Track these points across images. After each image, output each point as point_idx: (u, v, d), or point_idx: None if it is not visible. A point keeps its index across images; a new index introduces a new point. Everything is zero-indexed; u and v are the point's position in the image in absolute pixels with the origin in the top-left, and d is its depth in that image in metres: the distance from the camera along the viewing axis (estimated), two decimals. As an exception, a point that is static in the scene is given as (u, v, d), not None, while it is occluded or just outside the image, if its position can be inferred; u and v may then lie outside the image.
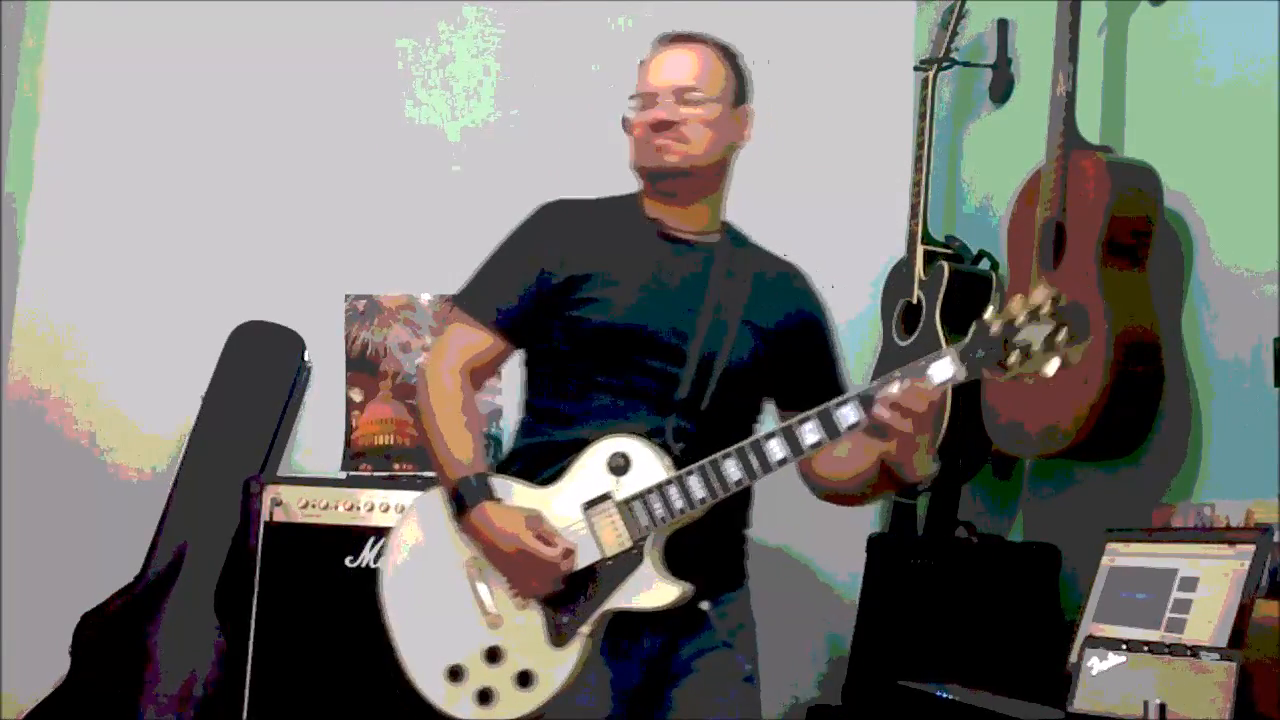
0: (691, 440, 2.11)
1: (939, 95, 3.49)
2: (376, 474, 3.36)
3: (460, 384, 2.18)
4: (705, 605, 2.15)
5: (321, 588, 3.17)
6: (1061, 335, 1.92)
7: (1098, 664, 2.07)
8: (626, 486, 2.06)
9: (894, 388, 1.98)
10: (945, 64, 3.45)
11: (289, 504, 3.23)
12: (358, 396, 3.42)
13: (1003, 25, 3.46)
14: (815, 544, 3.70)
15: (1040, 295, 1.94)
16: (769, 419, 2.31)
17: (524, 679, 2.04)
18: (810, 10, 3.91)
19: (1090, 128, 2.84)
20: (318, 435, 3.65)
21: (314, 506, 3.23)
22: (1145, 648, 2.05)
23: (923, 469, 2.08)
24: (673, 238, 2.25)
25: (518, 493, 2.12)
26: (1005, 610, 2.84)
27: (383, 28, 3.85)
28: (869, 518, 3.66)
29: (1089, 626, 2.38)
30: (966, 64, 3.51)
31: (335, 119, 3.78)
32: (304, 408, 3.69)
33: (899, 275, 3.38)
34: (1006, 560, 2.94)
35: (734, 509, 2.19)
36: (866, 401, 2.00)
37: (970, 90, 3.63)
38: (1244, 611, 2.10)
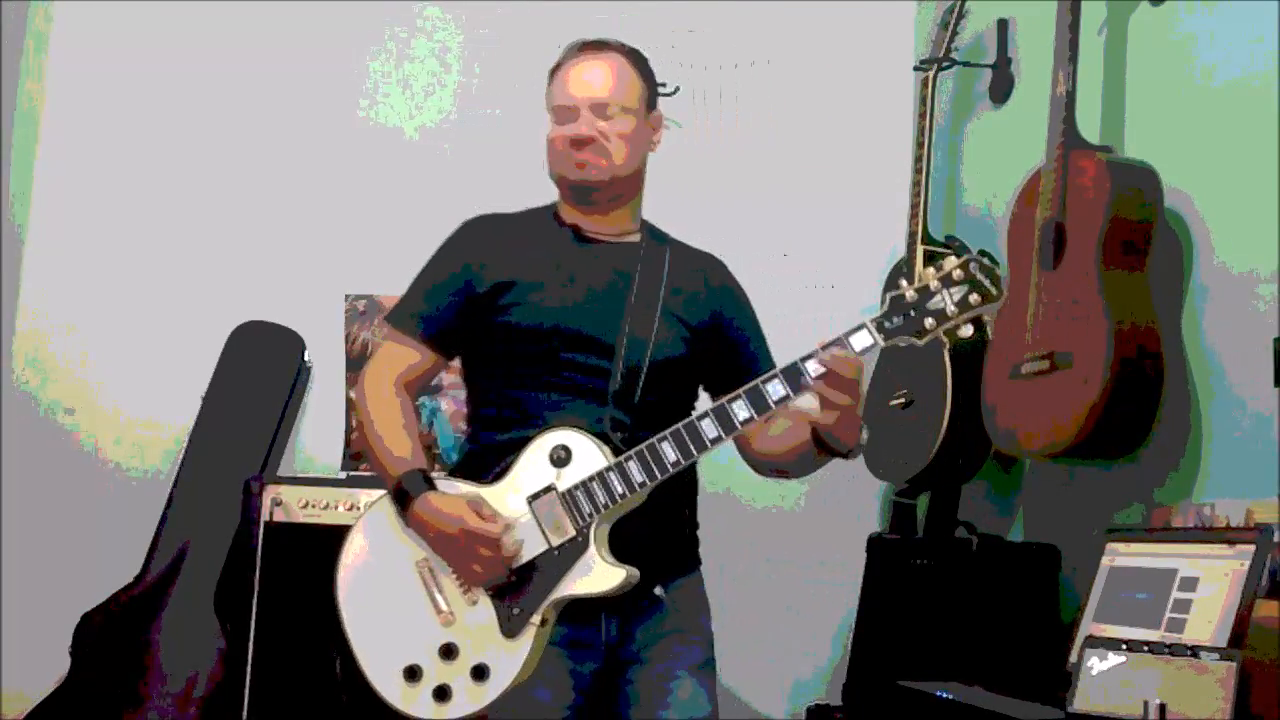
0: (628, 430, 2.17)
1: (939, 95, 3.49)
2: (376, 474, 3.36)
3: (395, 392, 2.25)
4: (659, 590, 2.22)
5: (322, 588, 3.16)
6: (973, 297, 1.99)
7: (1098, 664, 2.07)
8: (568, 477, 2.11)
9: (814, 363, 2.05)
10: (945, 64, 3.45)
11: (289, 504, 3.23)
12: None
13: (1003, 25, 3.46)
14: (815, 544, 3.70)
15: (951, 262, 2.02)
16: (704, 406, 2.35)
17: (479, 673, 2.08)
18: (810, 10, 3.91)
19: (1090, 128, 2.84)
20: (318, 435, 3.65)
21: (314, 506, 3.23)
22: (1145, 648, 2.04)
23: (855, 437, 2.15)
24: (593, 239, 2.31)
25: (463, 491, 2.16)
26: (1005, 610, 2.84)
27: (381, 28, 3.85)
28: (869, 518, 3.67)
29: (1089, 626, 2.38)
30: (966, 64, 3.51)
31: (335, 120, 3.79)
32: (304, 408, 3.70)
33: (899, 275, 3.38)
34: (1006, 560, 2.94)
35: (680, 496, 2.25)
36: (792, 375, 2.05)
37: (970, 90, 3.62)
38: (1244, 611, 2.10)
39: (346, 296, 3.48)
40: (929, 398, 3.14)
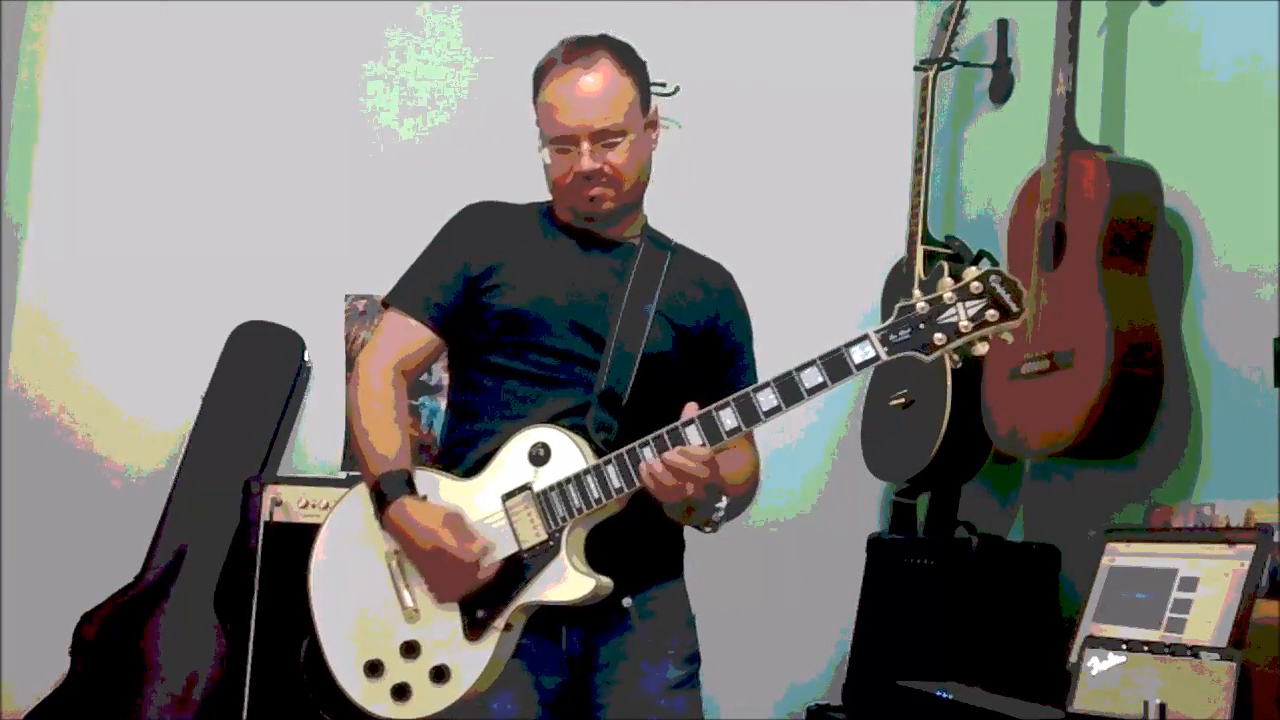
0: (613, 432, 2.08)
1: (939, 95, 3.49)
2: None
3: (391, 381, 2.14)
4: (627, 602, 2.11)
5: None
6: (991, 313, 1.87)
7: (1098, 664, 2.07)
8: (545, 477, 2.02)
9: (813, 370, 1.93)
10: (945, 64, 3.45)
11: (289, 504, 3.23)
12: (358, 396, 3.42)
13: (1003, 25, 3.46)
14: (815, 544, 3.70)
15: (970, 273, 1.89)
16: None
17: (439, 674, 2.01)
18: (810, 10, 3.91)
19: (1090, 128, 2.84)
20: (318, 435, 3.65)
21: (314, 506, 3.23)
22: (1145, 648, 2.04)
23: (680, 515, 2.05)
24: (590, 236, 2.22)
25: (443, 485, 2.09)
26: (1005, 610, 2.84)
27: (379, 28, 3.85)
28: (869, 518, 3.67)
29: (1089, 626, 2.38)
30: (966, 64, 3.51)
31: (336, 120, 3.79)
32: (304, 408, 3.69)
33: (899, 275, 3.38)
34: (1006, 560, 2.94)
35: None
36: (787, 386, 1.94)
37: (970, 90, 3.63)
38: (1244, 611, 2.10)
39: (346, 296, 3.48)
40: (929, 398, 3.14)
